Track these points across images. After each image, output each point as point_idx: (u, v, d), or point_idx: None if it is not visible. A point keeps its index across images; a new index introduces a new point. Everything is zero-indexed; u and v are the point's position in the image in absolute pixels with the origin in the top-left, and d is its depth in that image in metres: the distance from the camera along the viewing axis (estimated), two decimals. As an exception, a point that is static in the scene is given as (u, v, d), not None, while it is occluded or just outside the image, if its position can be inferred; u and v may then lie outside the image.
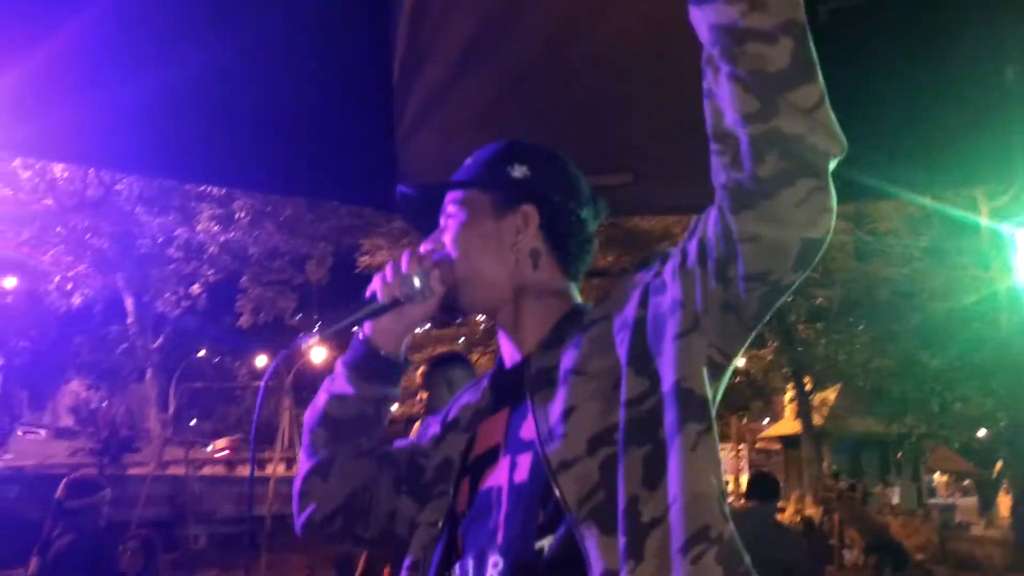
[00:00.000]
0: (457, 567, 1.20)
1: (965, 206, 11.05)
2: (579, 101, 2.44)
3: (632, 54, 2.34)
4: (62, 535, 3.98)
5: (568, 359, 1.17)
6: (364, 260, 14.12)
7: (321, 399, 1.31)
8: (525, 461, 1.16)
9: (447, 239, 1.28)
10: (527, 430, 1.17)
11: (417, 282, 1.22)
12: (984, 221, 11.54)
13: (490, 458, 1.22)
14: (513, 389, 1.23)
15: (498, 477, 1.19)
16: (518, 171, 1.32)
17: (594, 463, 1.09)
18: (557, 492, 1.09)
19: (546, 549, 1.11)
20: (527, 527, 1.14)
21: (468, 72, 2.38)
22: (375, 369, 1.27)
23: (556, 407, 1.14)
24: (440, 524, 1.24)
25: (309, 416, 1.31)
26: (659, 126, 2.47)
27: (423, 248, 1.29)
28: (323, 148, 2.40)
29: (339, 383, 1.29)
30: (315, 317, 21.11)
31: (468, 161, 1.37)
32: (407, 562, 1.26)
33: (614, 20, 2.28)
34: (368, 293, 1.25)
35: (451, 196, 1.31)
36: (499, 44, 2.34)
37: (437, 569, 1.22)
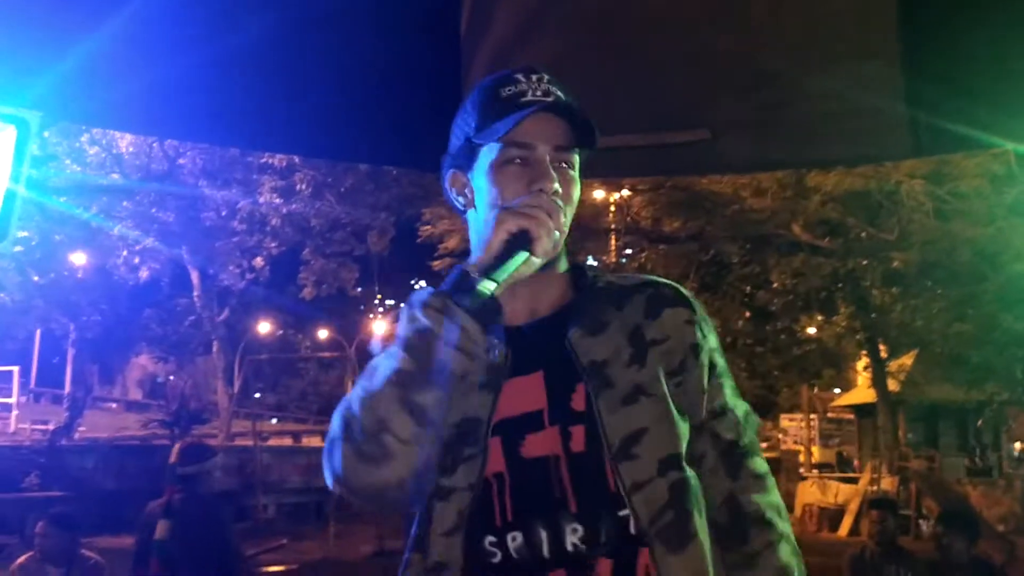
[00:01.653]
0: (514, 535, 1.21)
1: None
2: (652, 55, 2.31)
3: (706, 5, 2.21)
4: (182, 500, 4.00)
5: (630, 365, 1.25)
6: (426, 230, 14.00)
7: (430, 377, 1.16)
8: (579, 433, 1.23)
9: (572, 193, 1.28)
10: (578, 401, 1.24)
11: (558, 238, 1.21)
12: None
13: (531, 423, 1.24)
14: (542, 352, 1.26)
15: (549, 445, 1.23)
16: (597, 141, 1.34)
17: (664, 483, 1.21)
18: (629, 512, 1.20)
19: (632, 514, 1.20)
20: (602, 497, 1.21)
21: (536, 26, 2.25)
22: (491, 321, 1.21)
23: (625, 420, 1.22)
24: (475, 487, 1.23)
25: (416, 401, 1.15)
26: (735, 80, 2.33)
27: (557, 196, 1.24)
28: (387, 113, 2.29)
29: (459, 339, 1.16)
30: (376, 288, 21.21)
31: (571, 102, 1.31)
32: (444, 528, 1.23)
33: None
34: (506, 239, 1.17)
35: (568, 143, 1.28)
36: None
37: (477, 535, 1.22)
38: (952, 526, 4.35)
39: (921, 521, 14.43)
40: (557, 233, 1.18)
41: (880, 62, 2.14)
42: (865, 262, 14.06)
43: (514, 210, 1.18)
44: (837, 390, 26.37)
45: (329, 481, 1.20)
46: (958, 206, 12.21)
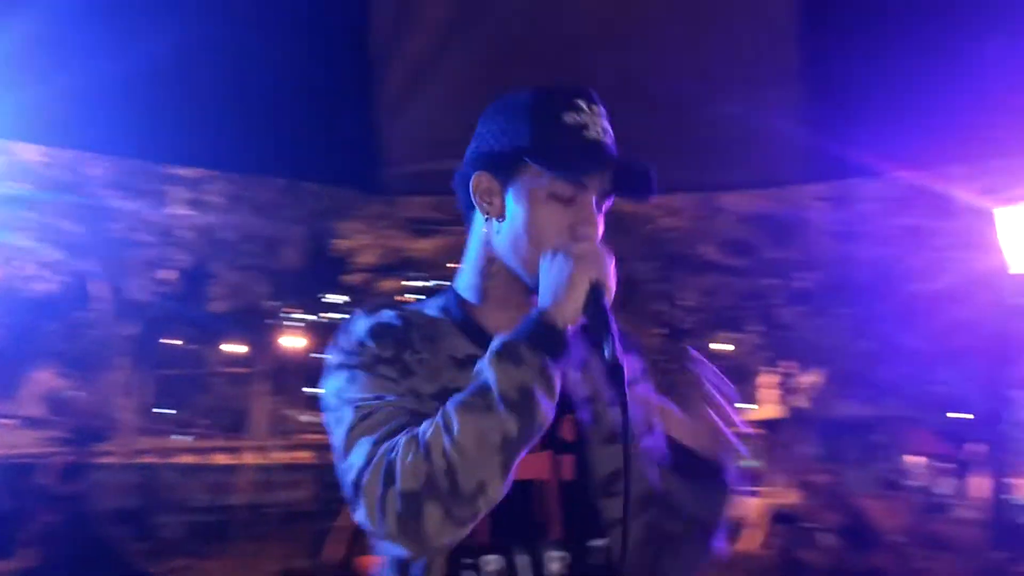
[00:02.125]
0: (489, 559, 1.19)
1: (946, 185, 10.99)
2: (565, 75, 2.32)
3: (624, 30, 2.26)
4: (53, 522, 3.84)
5: (610, 406, 1.29)
6: (341, 244, 13.84)
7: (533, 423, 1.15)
8: (569, 462, 1.25)
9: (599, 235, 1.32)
10: (567, 431, 1.26)
11: None
12: (964, 200, 11.49)
13: None
14: None
15: (537, 469, 1.22)
16: None
17: (639, 523, 1.27)
18: (610, 546, 1.23)
19: (613, 547, 1.21)
20: (589, 528, 1.23)
21: (451, 44, 2.30)
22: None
23: (609, 457, 1.26)
24: None
25: (515, 463, 1.13)
26: (639, 102, 2.37)
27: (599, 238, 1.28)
28: (297, 127, 2.31)
29: (552, 381, 1.17)
30: (288, 302, 20.84)
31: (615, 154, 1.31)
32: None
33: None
34: (588, 290, 1.20)
35: (606, 192, 1.30)
36: (488, 9, 2.21)
37: (451, 556, 1.19)
38: (848, 538, 4.49)
39: (823, 534, 14.82)
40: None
41: (782, 88, 2.21)
42: (774, 281, 14.43)
43: (587, 261, 1.19)
44: (746, 406, 26.95)
45: (395, 533, 1.09)
46: (859, 228, 12.64)
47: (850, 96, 2.18)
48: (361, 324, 1.29)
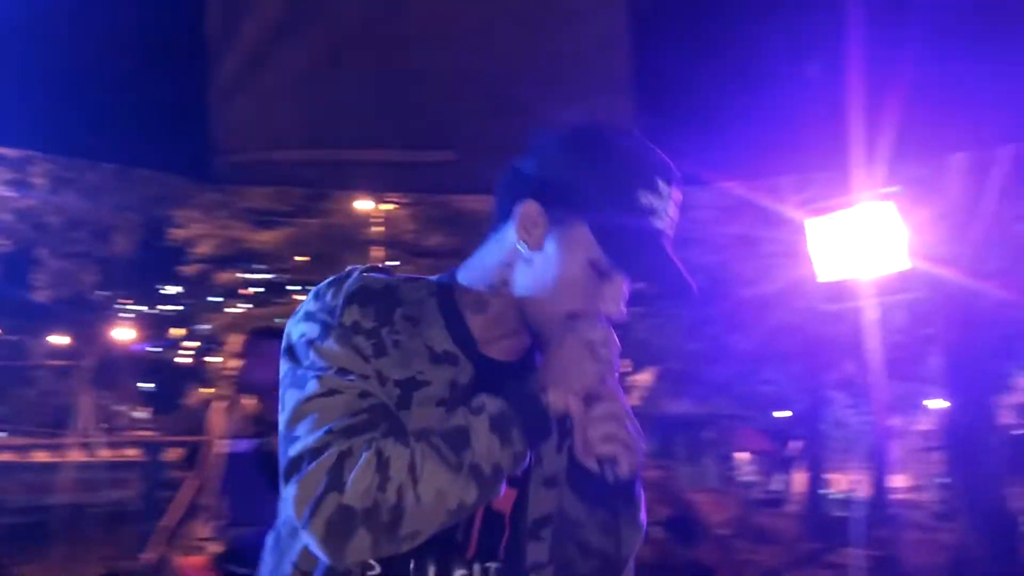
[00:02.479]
0: (401, 564, 1.15)
1: (774, 196, 11.60)
2: (404, 74, 2.34)
3: (459, 30, 2.26)
4: None
5: (555, 451, 1.24)
6: (177, 233, 13.34)
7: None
8: (509, 495, 1.19)
9: None
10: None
11: None
12: (789, 211, 12.16)
13: None
14: (508, 392, 1.18)
15: None
16: None
17: (550, 571, 1.24)
18: None
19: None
20: (509, 565, 1.21)
21: (287, 35, 2.23)
22: None
23: (543, 500, 1.23)
24: None
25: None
26: (484, 104, 2.40)
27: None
28: (129, 113, 2.20)
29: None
30: (119, 293, 19.90)
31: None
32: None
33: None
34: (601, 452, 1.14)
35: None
36: (325, 4, 2.17)
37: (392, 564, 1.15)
38: (674, 531, 4.68)
39: (653, 528, 15.35)
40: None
41: (616, 96, 2.28)
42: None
43: (605, 365, 1.13)
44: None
45: (317, 535, 1.05)
46: (694, 234, 13.19)
47: (679, 106, 2.27)
48: (351, 284, 1.19)
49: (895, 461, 13.38)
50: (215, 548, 3.10)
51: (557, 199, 1.17)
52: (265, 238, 12.68)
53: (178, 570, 3.16)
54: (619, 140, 1.20)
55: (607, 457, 1.12)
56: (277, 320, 15.54)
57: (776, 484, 23.34)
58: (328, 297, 1.18)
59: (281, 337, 3.51)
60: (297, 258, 13.69)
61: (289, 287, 16.32)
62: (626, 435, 1.13)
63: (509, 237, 1.20)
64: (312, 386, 1.12)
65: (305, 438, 1.09)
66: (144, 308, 19.94)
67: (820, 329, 13.56)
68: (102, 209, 15.40)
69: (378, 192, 9.29)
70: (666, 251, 1.17)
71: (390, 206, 12.93)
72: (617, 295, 1.19)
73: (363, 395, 1.11)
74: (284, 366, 1.20)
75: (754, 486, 21.72)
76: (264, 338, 3.24)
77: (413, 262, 12.65)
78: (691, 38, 2.25)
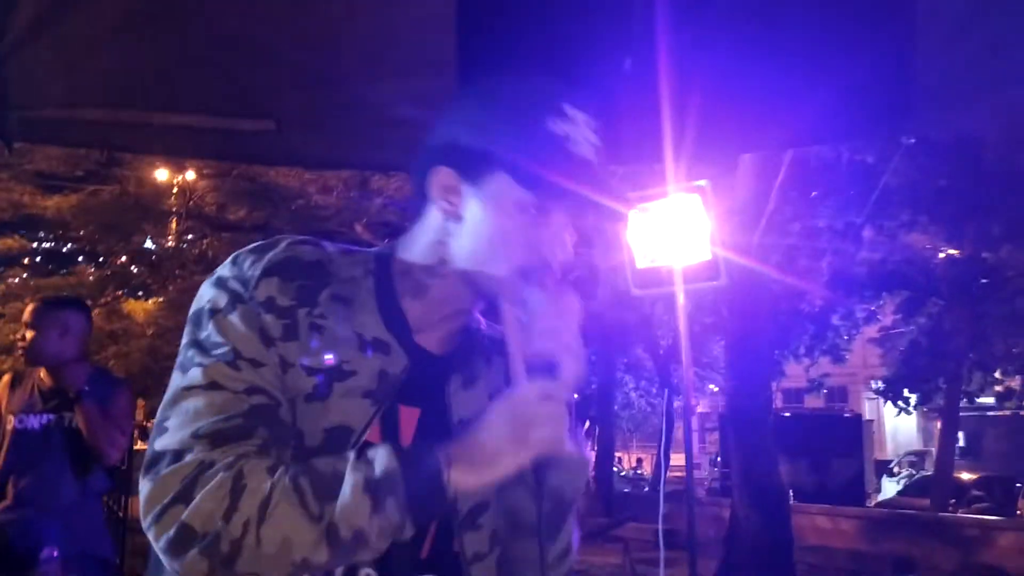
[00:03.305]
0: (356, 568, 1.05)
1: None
2: (222, 38, 2.26)
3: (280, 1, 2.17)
4: None
5: None
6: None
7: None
8: None
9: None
10: None
11: None
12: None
13: None
14: (425, 388, 1.12)
15: None
16: None
17: (493, 558, 1.16)
18: None
19: None
20: (450, 560, 1.12)
21: None
22: None
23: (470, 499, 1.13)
24: None
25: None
26: (304, 77, 2.36)
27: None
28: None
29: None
30: None
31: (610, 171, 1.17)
32: None
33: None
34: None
35: (591, 209, 1.13)
36: None
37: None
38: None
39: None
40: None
41: (436, 79, 2.29)
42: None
43: (546, 434, 1.00)
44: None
45: (156, 543, 0.96)
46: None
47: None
48: (275, 254, 1.08)
49: (676, 441, 14.22)
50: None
51: (467, 157, 1.10)
52: (51, 204, 11.83)
53: None
54: (513, 81, 1.14)
55: (547, 357, 1.02)
56: (63, 292, 14.56)
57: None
58: (246, 265, 1.08)
59: (74, 308, 3.32)
60: (81, 225, 12.87)
61: (77, 257, 15.36)
62: (572, 339, 1.05)
63: (433, 214, 1.13)
64: (194, 374, 1.02)
65: (172, 434, 0.99)
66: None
67: (622, 315, 14.16)
68: None
69: (197, 158, 8.87)
70: (593, 174, 1.10)
71: (191, 176, 12.41)
72: (559, 236, 1.11)
73: (250, 391, 1.01)
74: (186, 331, 1.09)
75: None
76: (57, 308, 3.08)
77: (215, 236, 12.23)
78: (515, 24, 2.28)
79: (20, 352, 3.02)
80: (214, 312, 1.06)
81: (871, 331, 19.67)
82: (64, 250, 15.38)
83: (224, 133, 2.48)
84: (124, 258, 14.10)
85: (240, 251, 1.11)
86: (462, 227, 1.10)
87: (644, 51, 1.98)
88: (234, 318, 1.04)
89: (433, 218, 1.13)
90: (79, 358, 3.01)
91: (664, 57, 2.01)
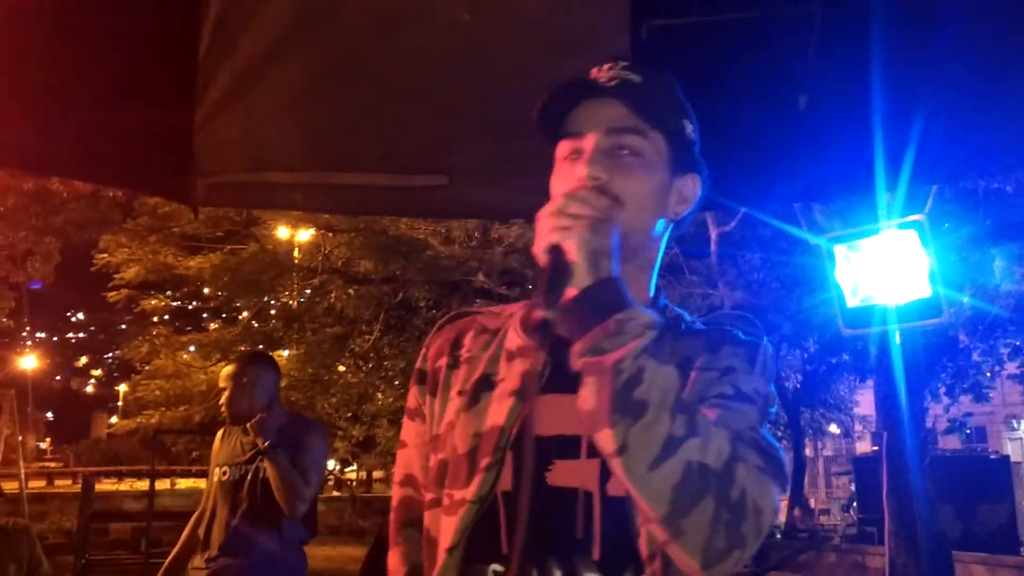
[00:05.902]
0: (522, 567, 1.00)
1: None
2: (396, 96, 2.33)
3: (452, 53, 2.23)
4: None
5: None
6: (102, 258, 12.88)
7: None
8: (620, 472, 0.98)
9: (626, 185, 1.09)
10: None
11: None
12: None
13: (565, 448, 1.06)
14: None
15: (583, 478, 1.04)
16: (690, 129, 1.19)
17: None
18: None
19: None
20: (629, 553, 1.03)
21: (282, 53, 2.16)
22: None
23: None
24: (484, 502, 1.07)
25: None
26: (475, 128, 2.39)
27: (589, 186, 1.06)
28: (113, 129, 2.16)
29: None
30: (26, 319, 19.14)
31: (638, 82, 1.11)
32: (448, 543, 1.08)
33: (436, 16, 2.15)
34: (546, 258, 0.98)
35: (629, 125, 1.11)
36: (319, 25, 2.15)
37: (474, 558, 1.06)
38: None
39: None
40: (590, 234, 0.98)
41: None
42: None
43: (541, 219, 1.00)
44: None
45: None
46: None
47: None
48: (434, 331, 1.25)
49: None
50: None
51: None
52: (194, 264, 12.37)
53: None
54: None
55: (552, 245, 0.98)
56: (192, 348, 15.02)
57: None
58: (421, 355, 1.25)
59: (257, 362, 3.41)
60: (219, 284, 13.39)
61: (220, 313, 15.97)
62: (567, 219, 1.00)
63: None
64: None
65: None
66: (51, 335, 19.18)
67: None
68: (18, 233, 14.77)
69: (371, 215, 9.16)
70: (579, 81, 1.12)
71: (311, 232, 12.78)
72: (583, 158, 1.10)
73: (403, 482, 1.25)
74: None
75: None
76: (242, 364, 3.20)
77: (345, 289, 12.54)
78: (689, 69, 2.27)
79: (222, 408, 3.15)
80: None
81: (1012, 367, 18.64)
82: (203, 307, 16.03)
83: (398, 190, 2.54)
84: (258, 313, 14.60)
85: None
86: None
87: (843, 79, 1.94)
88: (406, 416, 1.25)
89: None
90: (269, 408, 3.09)
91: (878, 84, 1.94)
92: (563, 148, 1.13)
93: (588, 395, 0.96)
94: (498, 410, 1.09)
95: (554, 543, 1.04)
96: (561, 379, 1.05)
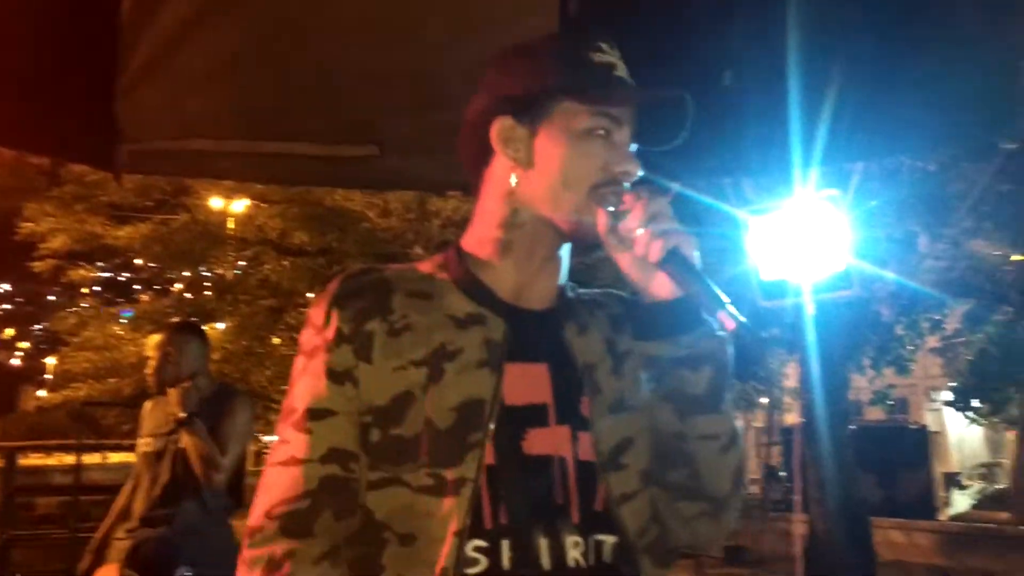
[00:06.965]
0: (509, 541, 1.04)
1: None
2: (327, 67, 2.32)
3: (384, 24, 2.22)
4: None
5: (612, 374, 1.17)
6: (26, 226, 12.50)
7: None
8: (587, 440, 1.11)
9: None
10: (586, 408, 1.13)
11: None
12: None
13: (535, 417, 1.10)
14: (542, 342, 1.15)
15: (555, 444, 1.10)
16: None
17: (645, 497, 1.14)
18: (618, 523, 1.11)
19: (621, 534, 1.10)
20: (598, 512, 1.10)
21: (207, 21, 2.13)
22: None
23: (614, 428, 1.13)
24: (477, 479, 1.06)
25: None
26: (406, 100, 2.39)
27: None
28: (33, 97, 2.10)
29: None
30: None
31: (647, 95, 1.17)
32: (455, 526, 1.04)
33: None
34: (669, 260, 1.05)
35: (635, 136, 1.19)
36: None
37: (461, 539, 1.04)
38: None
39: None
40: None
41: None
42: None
43: (654, 230, 1.04)
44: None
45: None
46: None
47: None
48: (335, 289, 1.15)
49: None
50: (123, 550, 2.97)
51: (525, 104, 1.14)
52: (123, 234, 12.09)
53: None
54: (547, 35, 1.23)
55: (669, 248, 1.04)
56: (122, 319, 14.75)
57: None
58: (315, 314, 1.15)
59: (184, 332, 3.39)
60: (150, 254, 13.13)
61: (151, 284, 15.64)
62: (671, 223, 1.06)
63: (498, 171, 1.17)
64: (278, 444, 1.11)
65: (257, 500, 1.09)
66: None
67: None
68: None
69: (300, 185, 9.03)
70: (640, 94, 1.15)
71: (246, 202, 12.58)
72: (623, 150, 1.15)
73: (324, 458, 1.07)
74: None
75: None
76: (169, 334, 3.19)
77: (279, 260, 12.38)
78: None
79: (152, 376, 3.11)
80: (296, 378, 1.16)
81: (932, 341, 19.23)
82: (133, 278, 15.71)
83: (328, 160, 2.53)
84: (191, 284, 14.35)
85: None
86: (533, 171, 1.14)
87: (764, 56, 1.99)
88: (306, 372, 1.13)
89: (498, 175, 1.17)
90: (193, 379, 3.07)
91: (794, 62, 1.99)
92: (597, 121, 1.13)
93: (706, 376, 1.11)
94: (472, 382, 1.09)
95: (538, 511, 1.07)
96: (521, 347, 1.12)
